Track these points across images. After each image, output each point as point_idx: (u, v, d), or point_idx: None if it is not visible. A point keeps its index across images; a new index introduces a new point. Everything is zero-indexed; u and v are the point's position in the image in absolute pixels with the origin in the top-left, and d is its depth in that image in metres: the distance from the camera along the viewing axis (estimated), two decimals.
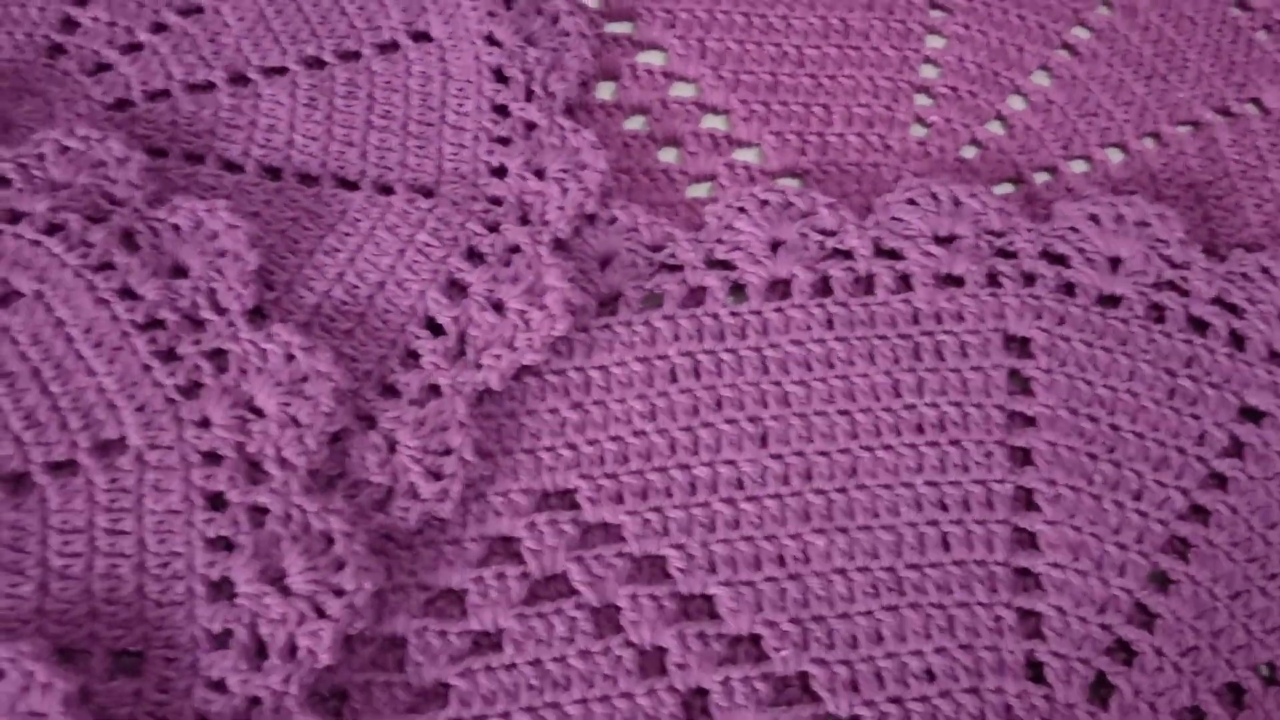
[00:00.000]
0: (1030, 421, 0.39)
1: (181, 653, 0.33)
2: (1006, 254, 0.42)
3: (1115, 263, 0.41)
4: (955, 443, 0.38)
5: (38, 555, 0.34)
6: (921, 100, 0.47)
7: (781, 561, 0.36)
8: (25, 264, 0.38)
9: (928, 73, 0.48)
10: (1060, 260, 0.42)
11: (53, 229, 0.38)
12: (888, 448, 0.38)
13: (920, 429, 0.38)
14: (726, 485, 0.37)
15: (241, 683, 0.32)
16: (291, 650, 0.33)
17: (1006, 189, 0.46)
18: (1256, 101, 0.48)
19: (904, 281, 0.41)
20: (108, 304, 0.37)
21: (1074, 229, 0.42)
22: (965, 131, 0.47)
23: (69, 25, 0.45)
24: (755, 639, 0.35)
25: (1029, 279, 0.41)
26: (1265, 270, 0.41)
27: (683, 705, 0.34)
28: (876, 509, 0.37)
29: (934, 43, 0.49)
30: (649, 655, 0.35)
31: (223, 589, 0.33)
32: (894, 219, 0.42)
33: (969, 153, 0.47)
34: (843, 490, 0.37)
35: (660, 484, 0.37)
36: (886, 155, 0.46)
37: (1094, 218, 0.42)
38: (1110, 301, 0.41)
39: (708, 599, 0.36)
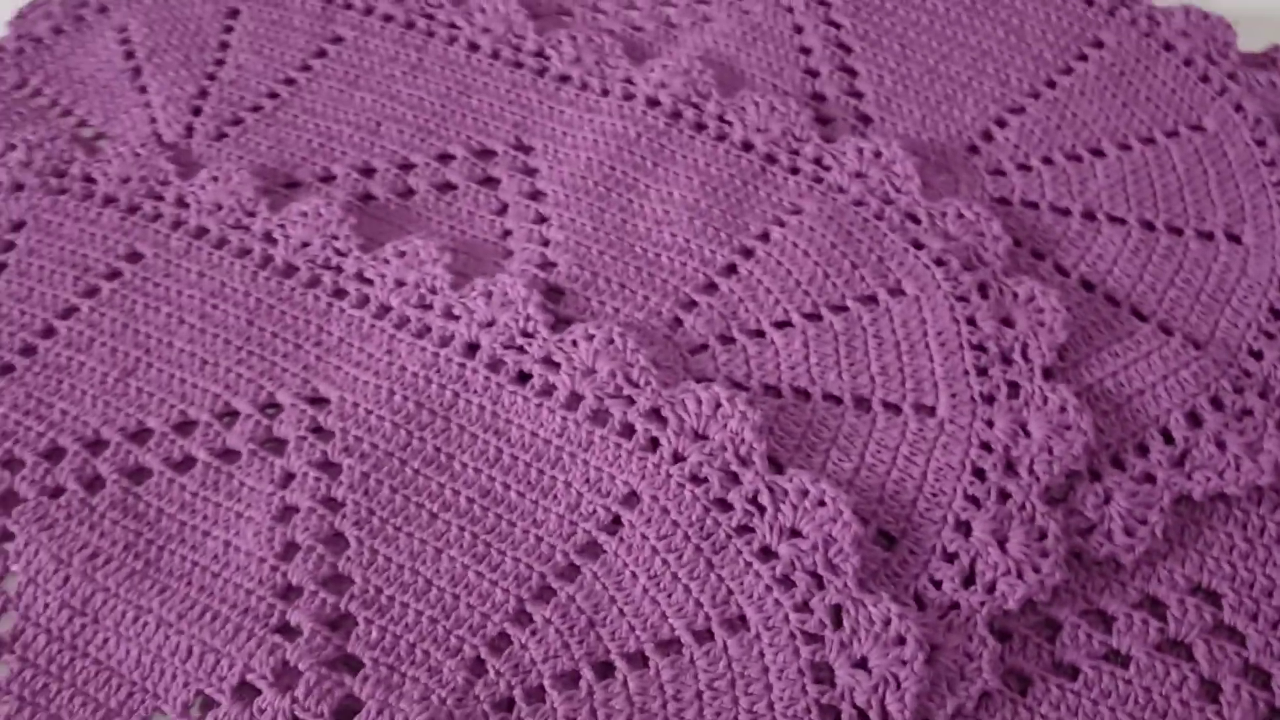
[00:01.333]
0: None
1: (922, 552, 0.48)
2: None
3: None
4: None
5: (850, 457, 0.51)
6: None
7: None
8: (916, 276, 0.56)
9: None
10: None
11: (939, 263, 0.56)
12: None
13: None
14: None
15: (953, 590, 0.47)
16: (990, 588, 0.47)
17: None
18: None
19: None
20: (956, 322, 0.54)
21: None
22: None
23: (987, 136, 0.63)
24: None
25: None
26: None
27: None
28: None
29: None
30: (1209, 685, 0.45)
31: (963, 528, 0.48)
32: None
33: None
34: None
35: None
36: None
37: None
38: None
39: None
